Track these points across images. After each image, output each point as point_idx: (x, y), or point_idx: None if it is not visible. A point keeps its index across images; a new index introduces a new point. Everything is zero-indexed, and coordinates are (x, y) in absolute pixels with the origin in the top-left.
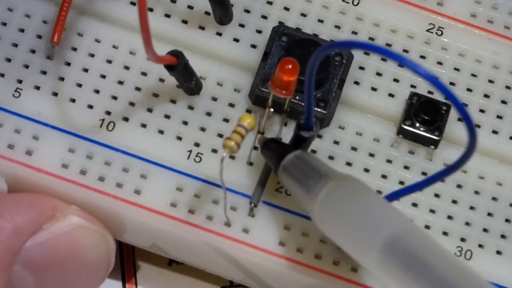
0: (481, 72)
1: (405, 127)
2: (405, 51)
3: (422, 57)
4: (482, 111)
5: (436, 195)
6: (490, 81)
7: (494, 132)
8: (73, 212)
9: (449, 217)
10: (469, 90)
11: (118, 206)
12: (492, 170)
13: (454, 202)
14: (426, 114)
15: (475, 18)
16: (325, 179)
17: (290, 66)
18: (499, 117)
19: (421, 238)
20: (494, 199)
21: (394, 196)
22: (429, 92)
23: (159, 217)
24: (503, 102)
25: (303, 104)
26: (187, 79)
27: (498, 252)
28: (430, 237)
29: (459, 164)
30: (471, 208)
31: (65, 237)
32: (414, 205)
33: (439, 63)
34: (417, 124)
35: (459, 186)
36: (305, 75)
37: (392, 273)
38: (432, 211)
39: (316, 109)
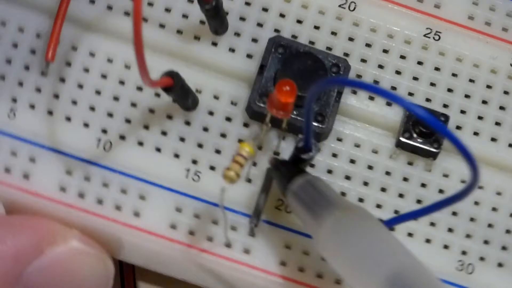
0: (479, 77)
1: (404, 139)
2: (402, 57)
3: (420, 63)
4: (480, 118)
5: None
6: (488, 87)
7: (493, 139)
8: (73, 236)
9: (450, 230)
10: (467, 96)
11: (117, 230)
12: (492, 179)
13: (454, 214)
14: (424, 127)
15: (472, 21)
16: (333, 207)
17: (287, 88)
18: (497, 123)
19: (425, 276)
20: (494, 209)
21: (392, 223)
22: (427, 99)
23: (159, 239)
24: (502, 108)
25: (301, 119)
26: (183, 98)
27: (500, 265)
28: (434, 275)
29: (459, 197)
30: (471, 219)
31: (66, 262)
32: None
33: (437, 68)
34: (416, 136)
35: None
36: (304, 105)
37: None
38: (432, 224)
39: (314, 123)
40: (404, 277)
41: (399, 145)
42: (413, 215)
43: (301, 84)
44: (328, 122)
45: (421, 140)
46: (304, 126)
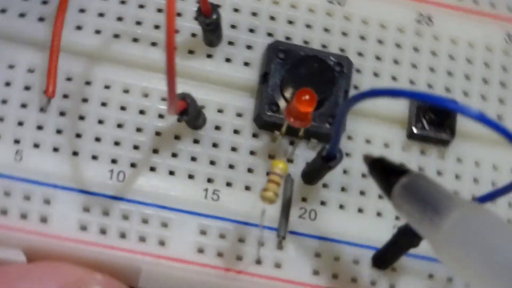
0: (475, 57)
1: (416, 131)
2: (398, 45)
3: (416, 49)
4: (483, 97)
5: None
6: (486, 65)
7: (499, 117)
8: (96, 282)
9: None
10: (467, 78)
11: (144, 262)
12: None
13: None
14: (435, 115)
15: (461, 1)
16: (451, 206)
17: (307, 97)
18: (500, 101)
19: None
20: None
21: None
22: (429, 86)
23: (189, 266)
24: (502, 85)
25: (316, 124)
26: (196, 118)
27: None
28: None
29: None
30: None
31: None
32: None
33: (433, 53)
34: (427, 127)
35: None
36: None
37: None
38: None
39: (326, 125)
40: None
41: (411, 136)
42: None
43: (310, 87)
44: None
45: (433, 130)
46: (334, 134)
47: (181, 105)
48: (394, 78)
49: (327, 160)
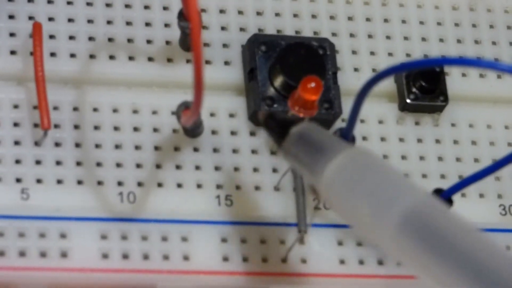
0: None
1: (410, 101)
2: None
3: (404, 22)
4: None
5: None
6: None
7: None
8: None
9: None
10: (459, 41)
11: (172, 281)
12: None
13: None
14: (427, 82)
15: None
16: (329, 155)
17: (313, 85)
18: None
19: (440, 210)
20: None
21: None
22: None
23: (216, 277)
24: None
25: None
26: (198, 126)
27: None
28: (449, 209)
29: None
30: None
31: None
32: None
33: (422, 23)
34: (420, 95)
35: None
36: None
37: (410, 249)
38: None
39: (322, 111)
40: (419, 213)
41: (405, 108)
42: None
43: (302, 75)
44: (337, 107)
45: (426, 98)
46: (349, 118)
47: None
48: (390, 54)
49: None
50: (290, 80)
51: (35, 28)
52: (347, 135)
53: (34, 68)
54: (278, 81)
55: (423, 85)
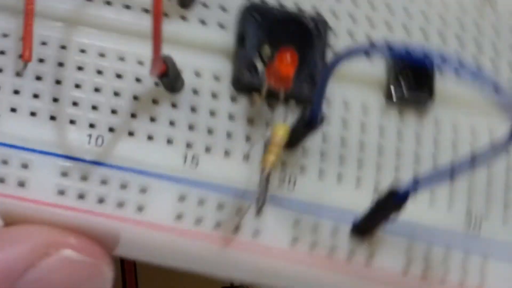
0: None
1: (395, 92)
2: (371, 4)
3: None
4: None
5: None
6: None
7: None
8: (68, 245)
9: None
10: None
11: (124, 228)
12: None
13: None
14: (415, 74)
15: None
16: None
17: (288, 57)
18: None
19: None
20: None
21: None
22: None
23: (165, 233)
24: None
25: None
26: (175, 81)
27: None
28: None
29: None
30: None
31: (58, 273)
32: None
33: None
34: (407, 90)
35: None
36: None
37: None
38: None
39: (305, 87)
40: None
41: (390, 98)
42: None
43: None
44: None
45: (412, 91)
46: (315, 98)
47: (161, 67)
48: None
49: (309, 124)
50: (275, 52)
51: None
52: (314, 116)
53: (25, 0)
54: (265, 51)
55: (411, 79)
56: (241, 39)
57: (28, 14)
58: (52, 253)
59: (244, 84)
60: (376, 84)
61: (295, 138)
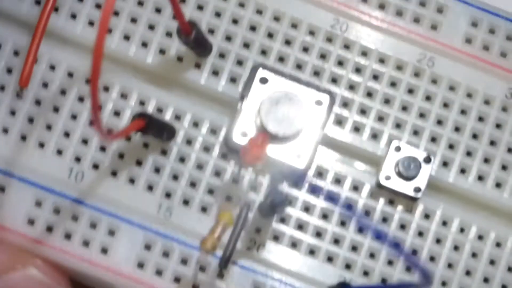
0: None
1: (382, 182)
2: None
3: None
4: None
5: None
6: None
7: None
8: (33, 264)
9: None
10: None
11: (84, 267)
12: None
13: None
14: (406, 172)
15: (469, 45)
16: None
17: (260, 142)
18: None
19: None
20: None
21: None
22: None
23: (125, 280)
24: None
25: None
26: (158, 135)
27: None
28: None
29: None
30: None
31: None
32: None
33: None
34: (397, 181)
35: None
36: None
37: None
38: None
39: (291, 164)
40: None
41: (380, 187)
42: None
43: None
44: (306, 164)
45: (402, 185)
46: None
47: (136, 125)
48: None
49: (273, 205)
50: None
51: None
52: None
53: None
54: (260, 119)
55: (403, 175)
56: (241, 99)
57: (34, 41)
58: (18, 269)
59: (230, 147)
60: (374, 163)
61: (264, 214)
